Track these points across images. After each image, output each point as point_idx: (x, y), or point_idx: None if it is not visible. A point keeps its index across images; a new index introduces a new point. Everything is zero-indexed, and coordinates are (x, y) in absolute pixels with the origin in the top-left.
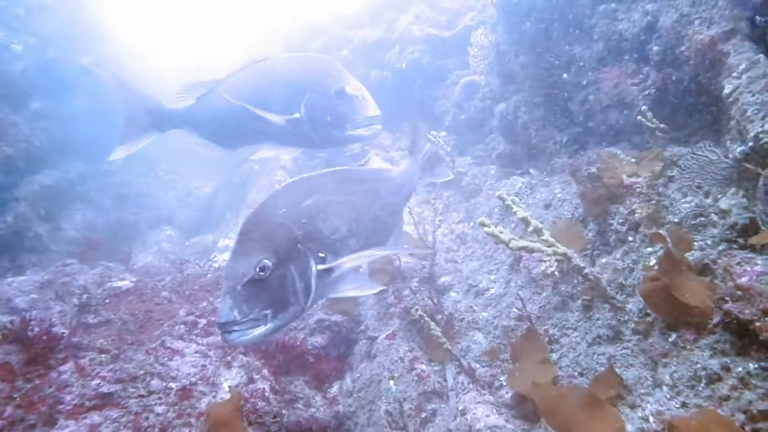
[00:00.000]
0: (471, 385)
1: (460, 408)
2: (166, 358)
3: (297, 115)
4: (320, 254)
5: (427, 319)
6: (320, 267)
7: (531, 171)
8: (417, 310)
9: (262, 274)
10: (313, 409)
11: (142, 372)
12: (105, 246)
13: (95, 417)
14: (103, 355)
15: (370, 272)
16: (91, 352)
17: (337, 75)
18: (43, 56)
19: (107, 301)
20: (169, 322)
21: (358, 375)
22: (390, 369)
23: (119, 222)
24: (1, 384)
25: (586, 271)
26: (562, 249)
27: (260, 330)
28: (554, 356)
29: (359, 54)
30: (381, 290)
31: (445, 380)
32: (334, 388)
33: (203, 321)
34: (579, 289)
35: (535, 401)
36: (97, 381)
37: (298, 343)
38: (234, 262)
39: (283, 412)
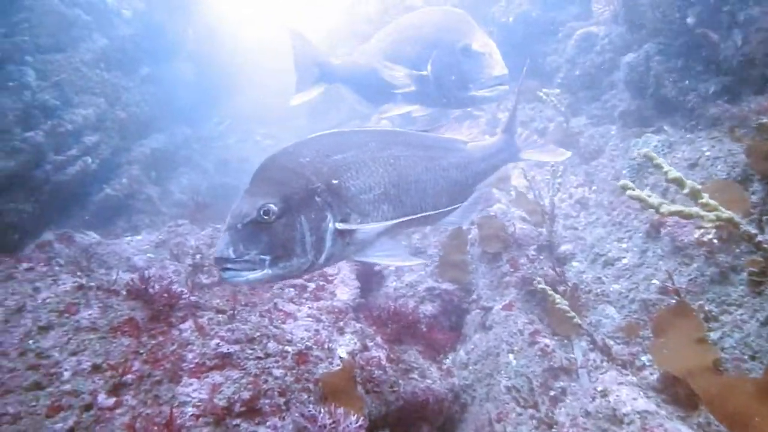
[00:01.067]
0: (606, 364)
1: (600, 389)
2: (279, 321)
3: (424, 73)
4: (345, 212)
5: (549, 291)
6: (340, 225)
7: (666, 128)
8: (539, 282)
9: (265, 217)
10: (429, 381)
11: (258, 334)
12: (210, 208)
13: (216, 377)
14: (220, 315)
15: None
16: (208, 311)
17: (466, 30)
18: (150, 21)
19: None
20: (279, 284)
21: (472, 347)
22: (509, 342)
23: (222, 186)
24: (128, 339)
25: (759, 238)
26: (726, 214)
27: (255, 274)
28: (713, 335)
29: (463, 7)
30: (420, 263)
31: (573, 356)
32: (448, 360)
33: (312, 285)
34: (744, 259)
35: (692, 387)
36: (216, 341)
37: (410, 311)
38: (241, 202)
39: (399, 381)
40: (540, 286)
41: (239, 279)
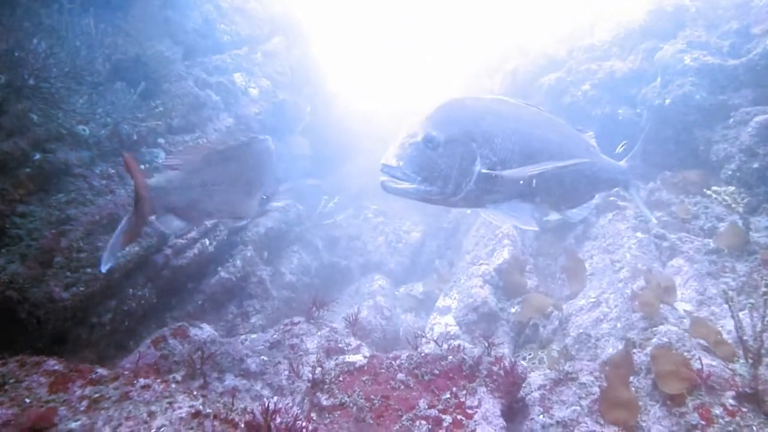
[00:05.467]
0: None
1: None
2: None
3: None
4: (493, 161)
5: None
6: (485, 170)
7: None
8: None
9: (430, 144)
10: None
11: None
12: (321, 291)
13: None
14: None
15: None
16: None
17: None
18: (274, 99)
19: (341, 379)
20: (408, 415)
21: None
22: None
23: (332, 266)
24: None
25: None
26: None
27: (406, 185)
28: None
29: (603, 89)
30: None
31: None
32: None
33: (448, 418)
34: None
35: None
36: None
37: None
38: (414, 125)
39: None
40: None
41: (393, 186)
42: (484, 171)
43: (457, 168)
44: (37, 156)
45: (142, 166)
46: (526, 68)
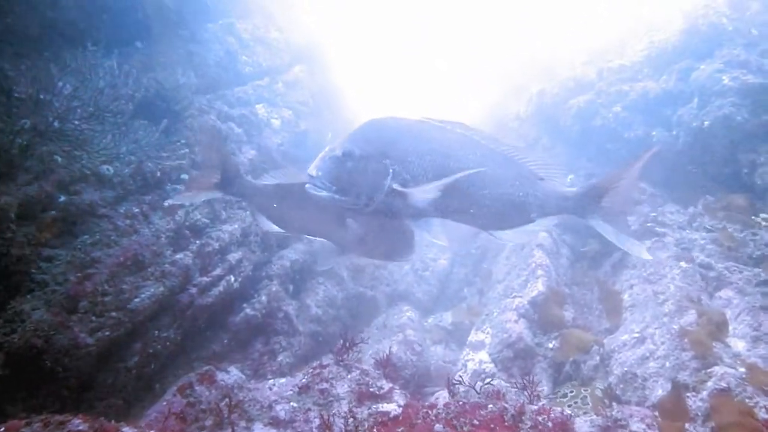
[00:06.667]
0: None
1: None
2: None
3: None
4: (405, 178)
5: None
6: (396, 186)
7: None
8: None
9: (346, 158)
10: None
11: None
12: (349, 324)
13: None
14: None
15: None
16: None
17: None
18: (296, 128)
19: (375, 430)
20: None
21: None
22: None
23: (357, 297)
24: None
25: None
26: None
27: (324, 194)
28: None
29: (636, 111)
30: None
31: None
32: None
33: None
34: None
35: None
36: None
37: None
38: (337, 140)
39: None
40: None
41: (312, 191)
42: (394, 186)
43: (370, 182)
44: (62, 198)
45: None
46: (553, 91)
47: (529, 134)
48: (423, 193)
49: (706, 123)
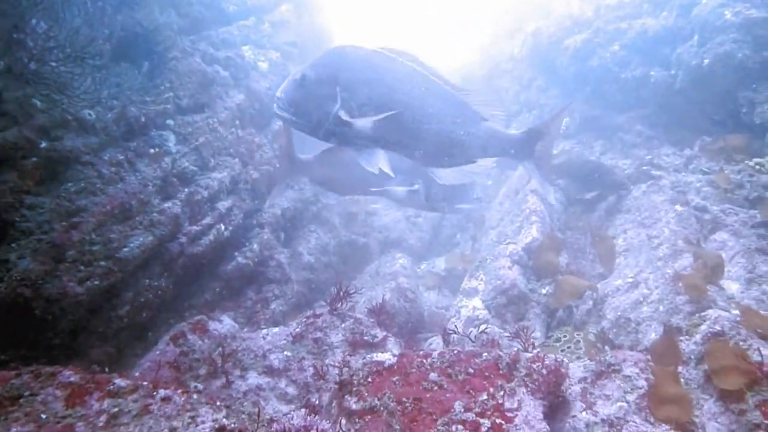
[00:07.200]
0: None
1: None
2: None
3: None
4: (352, 107)
5: None
6: (342, 113)
7: None
8: None
9: (303, 82)
10: None
11: None
12: (341, 270)
13: None
14: None
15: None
16: None
17: None
18: (284, 72)
19: (369, 380)
20: (443, 419)
21: None
22: None
23: (350, 244)
24: None
25: None
26: None
27: (285, 115)
28: None
29: (634, 50)
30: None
31: None
32: None
33: (487, 423)
34: None
35: None
36: None
37: None
38: (302, 66)
39: None
40: None
41: (277, 113)
42: (340, 114)
43: (320, 107)
44: (44, 144)
45: (152, 150)
46: (549, 30)
47: (523, 76)
48: (364, 124)
49: (706, 61)
